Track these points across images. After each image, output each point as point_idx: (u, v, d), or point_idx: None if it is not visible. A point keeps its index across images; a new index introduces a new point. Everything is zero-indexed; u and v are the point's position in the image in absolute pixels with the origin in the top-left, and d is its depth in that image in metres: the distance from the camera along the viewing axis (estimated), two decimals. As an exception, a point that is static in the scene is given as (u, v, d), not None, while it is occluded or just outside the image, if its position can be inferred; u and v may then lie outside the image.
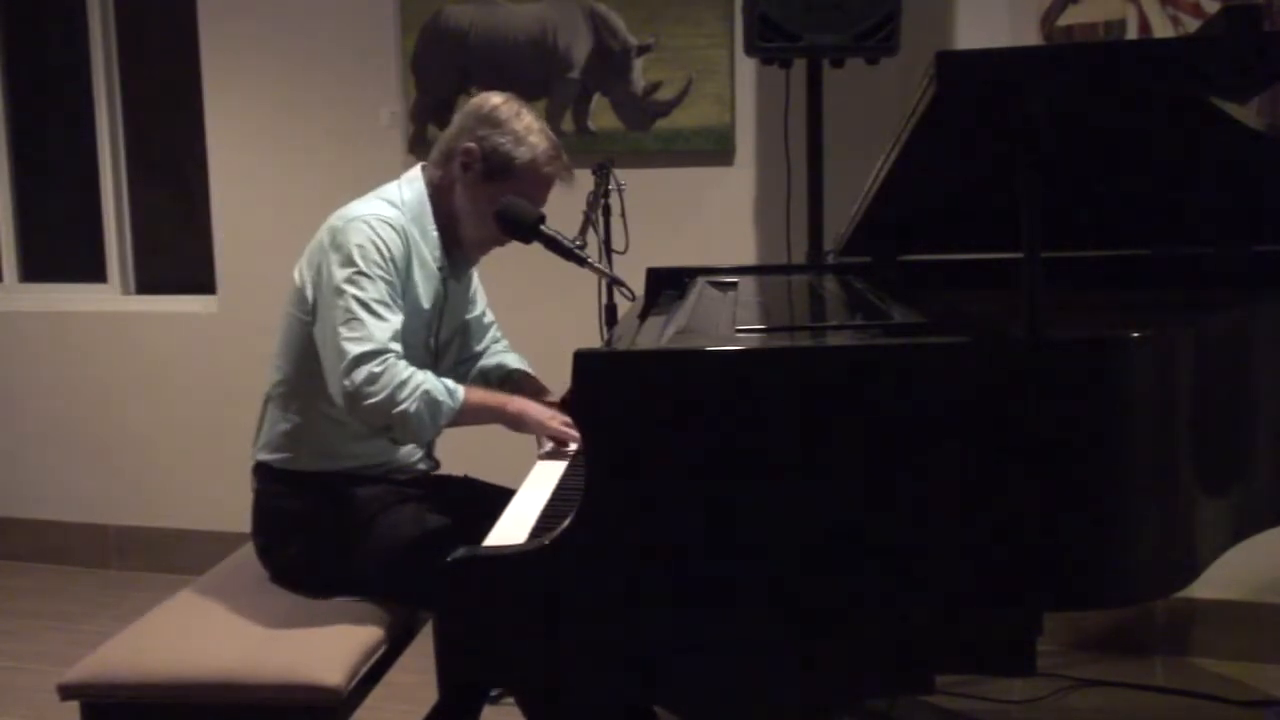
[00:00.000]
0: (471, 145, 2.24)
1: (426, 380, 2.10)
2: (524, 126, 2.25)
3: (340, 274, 2.11)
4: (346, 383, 2.06)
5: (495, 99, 2.29)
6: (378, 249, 2.13)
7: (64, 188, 4.26)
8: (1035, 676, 2.09)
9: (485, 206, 2.26)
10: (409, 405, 2.07)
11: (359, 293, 2.10)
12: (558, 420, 2.25)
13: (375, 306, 2.10)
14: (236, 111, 3.82)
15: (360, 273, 2.11)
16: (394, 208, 2.23)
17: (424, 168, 2.33)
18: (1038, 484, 1.52)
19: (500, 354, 2.59)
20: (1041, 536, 1.53)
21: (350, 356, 2.06)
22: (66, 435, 4.15)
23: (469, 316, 2.50)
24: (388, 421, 2.09)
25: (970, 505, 1.52)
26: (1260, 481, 1.87)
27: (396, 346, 2.10)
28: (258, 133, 3.80)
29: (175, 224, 4.18)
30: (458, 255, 2.35)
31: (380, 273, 2.12)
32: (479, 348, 2.56)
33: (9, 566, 4.16)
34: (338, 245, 2.15)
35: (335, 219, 2.21)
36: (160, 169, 4.19)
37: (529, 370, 2.57)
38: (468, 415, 2.17)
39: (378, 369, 2.06)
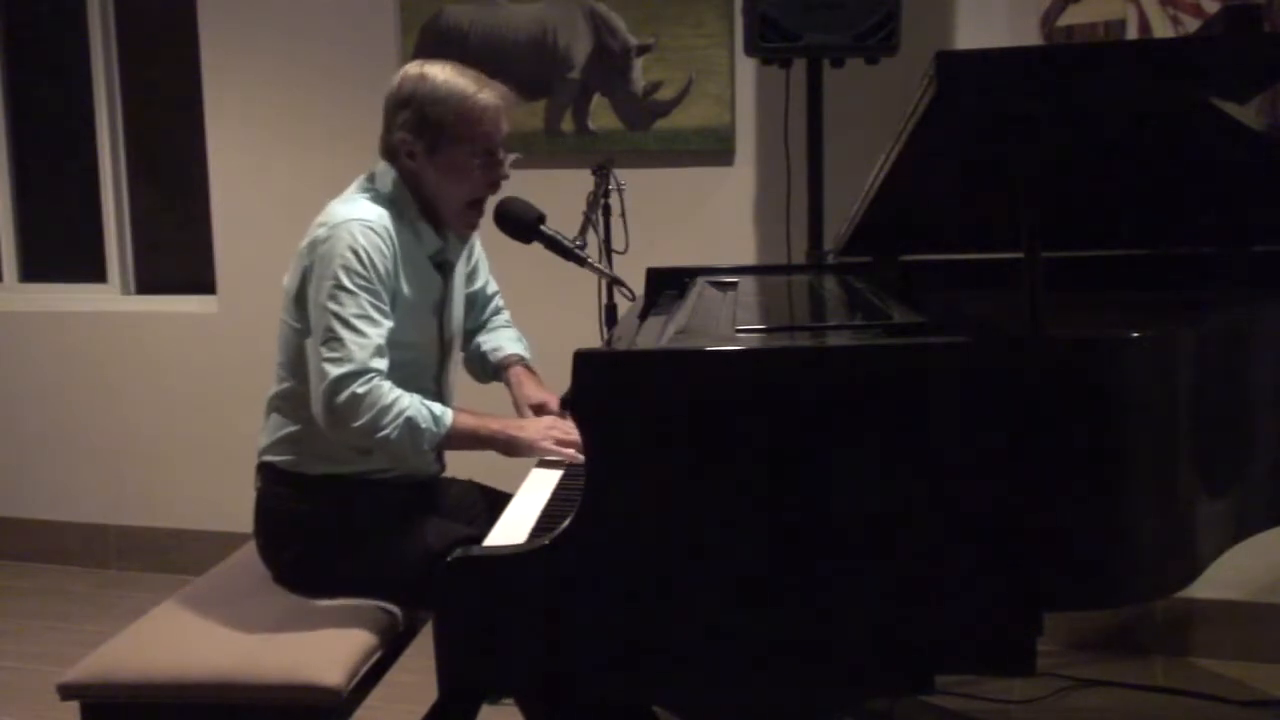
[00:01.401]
0: (401, 135, 2.19)
1: (411, 406, 2.08)
2: (432, 84, 2.18)
3: (322, 290, 2.09)
4: (328, 405, 2.06)
5: (397, 78, 2.23)
6: (359, 258, 2.09)
7: (64, 188, 4.26)
8: (1035, 676, 2.09)
9: (449, 176, 2.21)
10: (390, 432, 2.05)
11: (339, 309, 2.07)
12: (550, 441, 2.20)
13: (355, 322, 2.07)
14: (236, 111, 3.82)
15: (339, 287, 2.07)
16: (375, 205, 2.19)
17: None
18: (1038, 484, 1.52)
19: (499, 331, 2.56)
20: (1041, 536, 1.53)
21: (330, 378, 2.05)
22: (66, 435, 4.15)
23: (471, 290, 2.48)
24: (369, 445, 2.10)
25: (970, 505, 1.52)
26: (1260, 481, 1.87)
27: (379, 364, 2.07)
28: (258, 133, 3.80)
29: (175, 224, 4.18)
30: (448, 234, 2.31)
31: (362, 284, 2.08)
32: (480, 320, 2.55)
33: (9, 566, 4.16)
34: (320, 257, 2.11)
35: (317, 226, 2.17)
36: (160, 169, 4.19)
37: (526, 356, 2.52)
38: (455, 442, 2.17)
39: (360, 390, 2.04)
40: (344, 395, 2.04)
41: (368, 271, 2.09)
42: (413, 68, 2.23)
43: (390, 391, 2.07)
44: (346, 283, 2.08)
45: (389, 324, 2.12)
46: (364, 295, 2.08)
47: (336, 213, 2.17)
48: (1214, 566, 1.74)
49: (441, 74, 2.19)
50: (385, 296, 2.12)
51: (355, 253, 2.09)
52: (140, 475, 4.09)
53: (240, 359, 3.81)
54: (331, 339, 2.06)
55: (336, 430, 2.08)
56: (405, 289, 2.19)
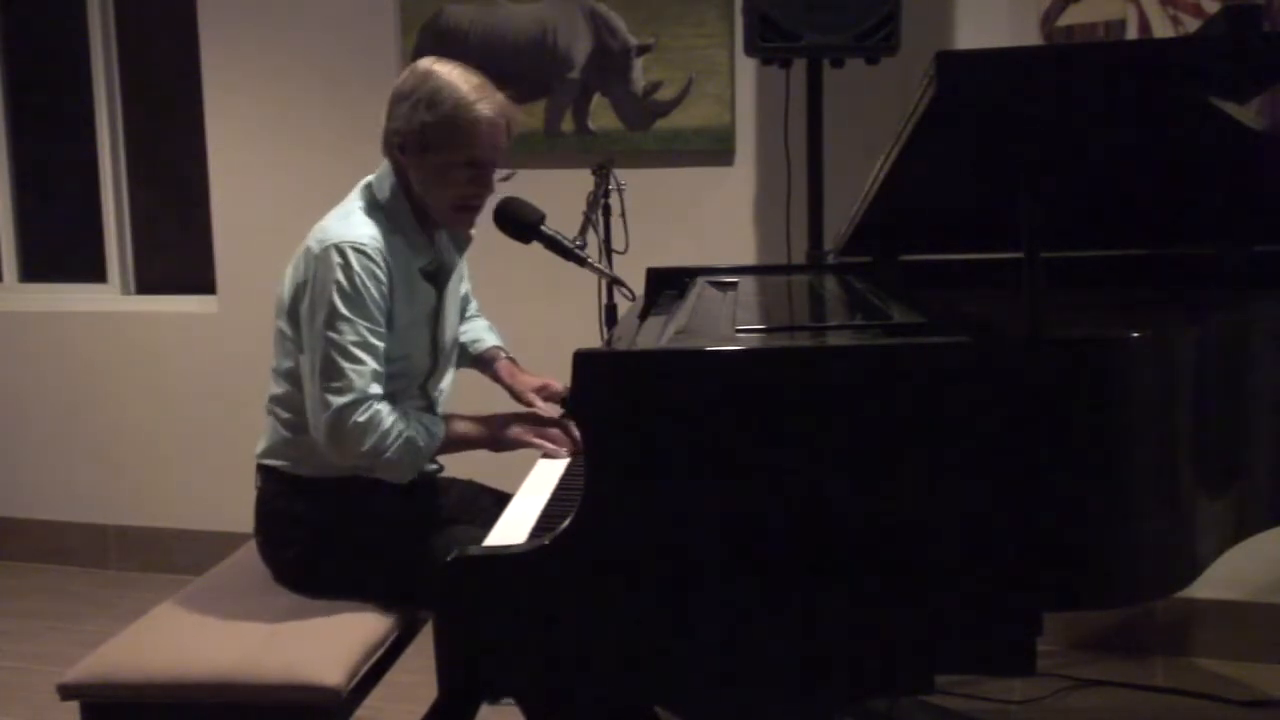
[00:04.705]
0: (398, 126, 2.17)
1: (409, 426, 2.12)
2: (435, 85, 2.15)
3: (318, 316, 2.10)
4: (331, 435, 2.09)
5: (405, 73, 2.22)
6: (353, 285, 2.09)
7: (64, 188, 4.26)
8: (1035, 676, 2.09)
9: (436, 179, 2.19)
10: (392, 454, 2.10)
11: (337, 337, 2.08)
12: (530, 434, 2.25)
13: (353, 350, 2.09)
14: (236, 111, 3.82)
15: (336, 314, 2.09)
16: (370, 220, 2.17)
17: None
18: (1037, 484, 1.52)
19: (473, 321, 2.62)
20: (1041, 536, 1.53)
21: (333, 409, 2.07)
22: (66, 435, 4.15)
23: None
24: (372, 465, 2.12)
25: (970, 505, 1.52)
26: (1260, 481, 1.87)
27: (377, 389, 2.10)
28: (258, 133, 3.80)
29: (175, 224, 4.18)
30: (443, 236, 2.31)
31: (358, 311, 2.09)
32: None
33: (9, 566, 4.16)
34: (315, 277, 2.12)
35: (313, 240, 2.17)
36: (160, 169, 4.19)
37: (502, 346, 2.59)
38: (449, 448, 2.22)
39: (361, 419, 2.07)
40: (348, 425, 2.07)
41: (362, 298, 2.10)
42: (423, 63, 2.21)
43: (389, 414, 2.10)
44: (344, 310, 2.09)
45: (384, 345, 2.14)
46: (361, 322, 2.10)
47: (332, 229, 2.16)
48: (1214, 566, 1.74)
49: (447, 76, 2.17)
50: (381, 320, 2.14)
51: (350, 279, 2.10)
52: (140, 475, 4.08)
53: (240, 359, 3.81)
54: (331, 368, 2.08)
55: (341, 458, 2.12)
56: (399, 309, 2.19)
